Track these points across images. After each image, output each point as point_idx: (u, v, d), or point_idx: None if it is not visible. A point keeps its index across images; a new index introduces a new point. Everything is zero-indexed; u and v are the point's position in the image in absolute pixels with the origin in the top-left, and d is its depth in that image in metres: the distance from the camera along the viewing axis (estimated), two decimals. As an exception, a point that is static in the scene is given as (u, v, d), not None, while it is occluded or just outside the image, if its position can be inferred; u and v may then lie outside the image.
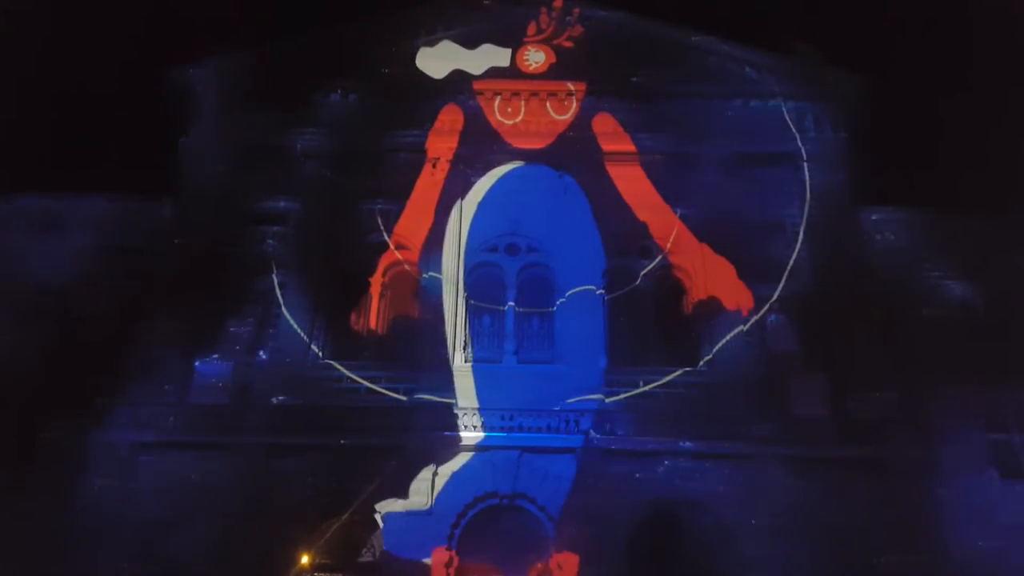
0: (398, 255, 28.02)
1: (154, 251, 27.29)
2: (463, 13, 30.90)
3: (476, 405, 25.29)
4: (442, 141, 29.13)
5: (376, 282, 28.05)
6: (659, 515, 23.33)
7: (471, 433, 24.43)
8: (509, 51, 30.52)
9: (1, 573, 21.97)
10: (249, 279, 27.33)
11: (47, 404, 24.24)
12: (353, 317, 28.17)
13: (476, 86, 29.85)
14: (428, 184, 28.66)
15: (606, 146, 29.08)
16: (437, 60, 30.20)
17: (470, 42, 30.45)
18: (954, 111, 37.05)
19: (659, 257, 28.06)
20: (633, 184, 28.50)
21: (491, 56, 30.37)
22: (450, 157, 28.85)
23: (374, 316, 27.86)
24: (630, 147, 29.00)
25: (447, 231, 28.06)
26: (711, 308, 26.94)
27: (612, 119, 29.47)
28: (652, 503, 23.45)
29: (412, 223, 28.23)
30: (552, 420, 24.60)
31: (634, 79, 29.72)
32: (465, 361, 26.82)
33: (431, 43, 30.45)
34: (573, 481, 23.75)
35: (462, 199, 28.63)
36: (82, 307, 26.62)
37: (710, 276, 27.35)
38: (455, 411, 24.87)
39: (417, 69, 30.02)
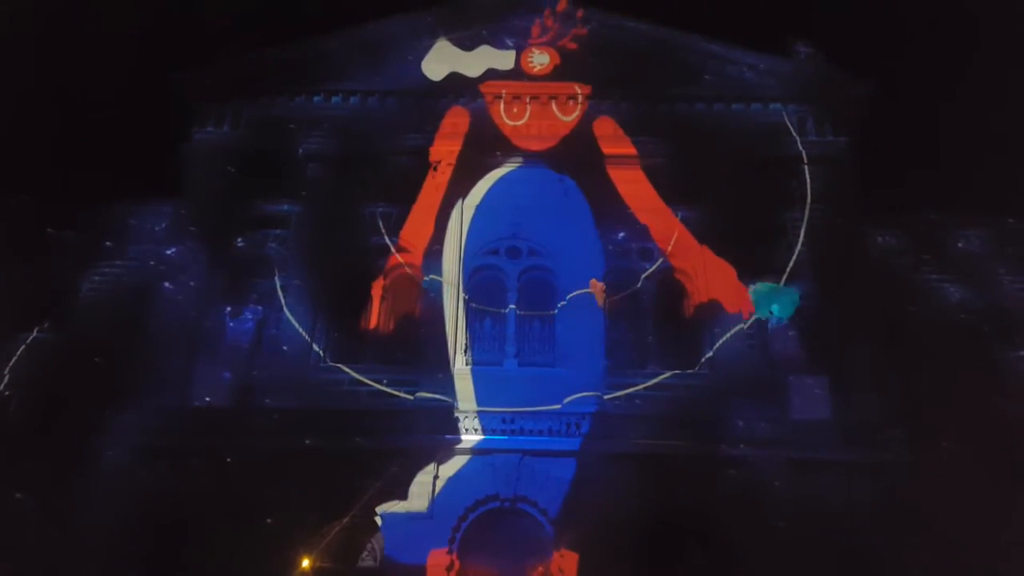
0: (399, 258, 28.06)
1: (156, 255, 27.40)
2: (467, 16, 30.96)
3: (477, 408, 25.37)
4: (445, 144, 29.17)
5: (378, 285, 28.09)
6: (659, 517, 23.36)
7: (472, 436, 24.52)
8: (513, 53, 30.58)
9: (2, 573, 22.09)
10: (251, 281, 27.45)
11: (52, 408, 24.33)
12: (355, 319, 28.22)
13: (481, 88, 29.91)
14: (431, 188, 28.71)
15: (607, 149, 29.10)
16: (440, 63, 30.24)
17: (473, 45, 30.55)
18: (954, 114, 37.12)
19: (659, 260, 28.09)
20: (634, 186, 28.54)
21: (495, 58, 30.44)
22: (452, 160, 28.89)
23: (375, 318, 27.88)
24: (631, 150, 29.03)
25: (447, 234, 28.12)
26: (712, 311, 26.97)
27: (612, 122, 29.51)
28: (652, 505, 23.45)
29: (415, 227, 28.22)
30: (553, 423, 24.69)
31: (636, 82, 29.80)
32: (466, 364, 26.90)
33: (434, 46, 30.49)
34: (573, 484, 23.80)
35: (462, 201, 28.72)
36: (85, 311, 26.74)
37: (711, 279, 27.35)
38: (456, 414, 24.97)
39: (420, 72, 30.07)
